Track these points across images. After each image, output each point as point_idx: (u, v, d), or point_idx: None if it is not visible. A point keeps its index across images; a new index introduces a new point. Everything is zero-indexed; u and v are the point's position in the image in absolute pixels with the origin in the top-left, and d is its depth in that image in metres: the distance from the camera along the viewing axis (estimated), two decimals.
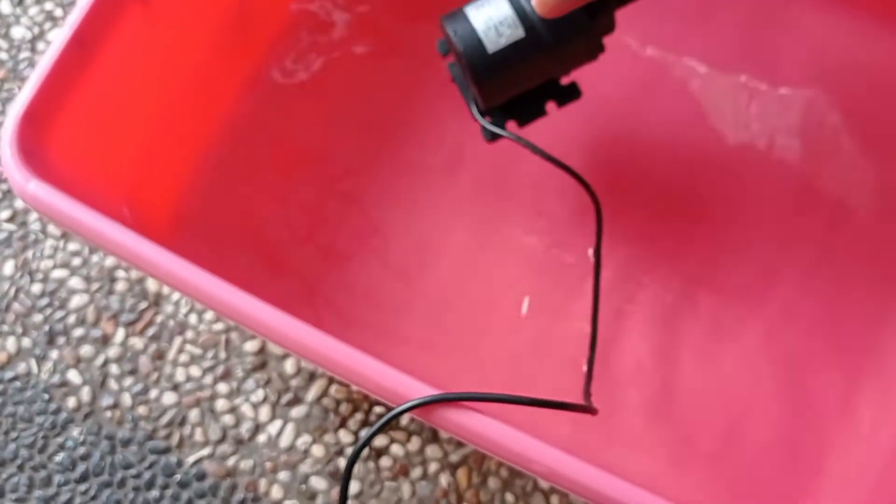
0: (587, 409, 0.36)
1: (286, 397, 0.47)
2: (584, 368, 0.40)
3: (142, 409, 0.47)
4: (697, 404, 0.43)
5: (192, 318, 0.48)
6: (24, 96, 0.35)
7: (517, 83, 0.37)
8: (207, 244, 0.45)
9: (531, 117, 0.39)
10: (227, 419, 0.47)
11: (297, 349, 0.32)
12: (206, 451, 0.46)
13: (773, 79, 0.47)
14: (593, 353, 0.40)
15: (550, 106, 0.39)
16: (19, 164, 0.35)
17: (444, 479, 0.45)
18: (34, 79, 0.36)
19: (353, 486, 0.45)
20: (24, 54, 0.55)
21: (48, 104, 0.36)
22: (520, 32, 0.35)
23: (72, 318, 0.49)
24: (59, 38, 0.36)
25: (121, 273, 0.50)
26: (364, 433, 0.46)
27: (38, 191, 0.34)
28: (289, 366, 0.47)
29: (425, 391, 0.30)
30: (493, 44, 0.35)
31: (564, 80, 0.39)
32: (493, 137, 0.39)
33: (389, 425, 0.46)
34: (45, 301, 0.49)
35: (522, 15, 0.35)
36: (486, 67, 0.36)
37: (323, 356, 0.31)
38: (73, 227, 0.34)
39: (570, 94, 0.39)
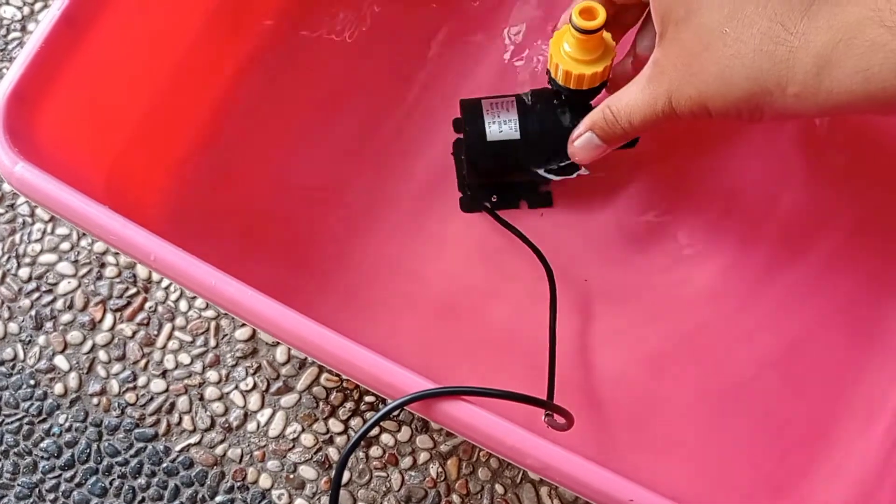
0: (565, 413, 0.35)
1: (276, 385, 0.46)
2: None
3: (129, 396, 0.47)
4: (678, 401, 0.43)
5: (182, 305, 0.48)
6: (11, 76, 0.35)
7: (501, 171, 0.44)
8: (196, 230, 0.45)
9: (505, 206, 0.46)
10: (216, 407, 0.46)
11: (289, 340, 0.31)
12: (194, 439, 0.46)
13: None
14: (553, 363, 0.40)
15: (522, 204, 0.46)
16: (5, 145, 0.34)
17: (433, 469, 0.45)
18: (22, 58, 0.35)
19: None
20: (14, 34, 0.54)
21: (36, 84, 0.35)
22: (516, 136, 0.42)
23: (59, 303, 0.48)
24: (48, 16, 0.35)
25: (110, 258, 0.49)
26: (355, 423, 0.45)
27: (25, 174, 0.33)
28: (279, 354, 0.47)
29: (422, 384, 0.30)
30: (492, 135, 0.42)
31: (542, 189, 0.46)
32: (469, 210, 0.46)
33: (367, 433, 0.45)
34: (32, 285, 0.49)
35: (524, 126, 0.42)
36: (481, 149, 0.43)
37: (317, 347, 0.31)
38: (60, 211, 0.33)
39: (542, 200, 0.46)
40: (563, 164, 0.42)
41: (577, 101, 0.41)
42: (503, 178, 0.45)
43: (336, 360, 0.31)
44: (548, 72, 0.40)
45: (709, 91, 0.33)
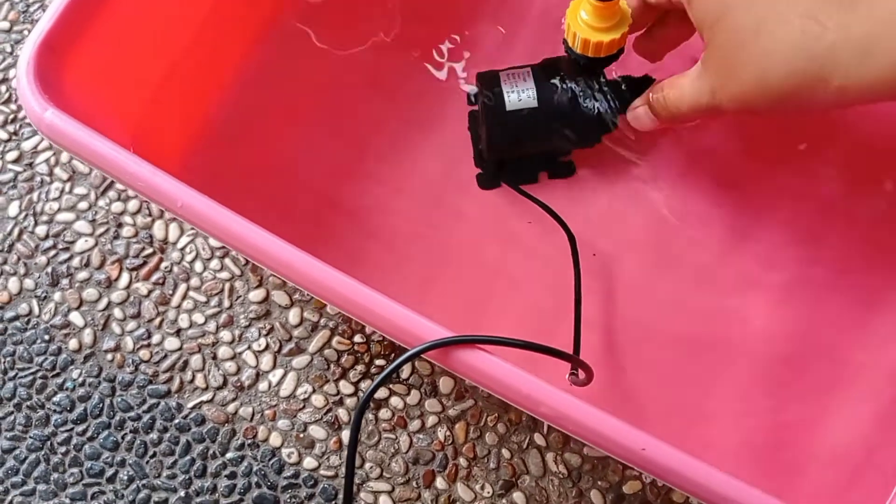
0: (584, 365, 0.36)
1: (288, 347, 0.47)
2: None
3: (143, 353, 0.47)
4: (698, 369, 0.44)
5: (198, 266, 0.49)
6: (42, 25, 0.35)
7: (520, 140, 0.44)
8: (211, 187, 0.45)
9: (524, 181, 0.46)
10: (229, 366, 0.47)
11: (313, 287, 0.32)
12: (206, 397, 0.47)
13: None
14: (578, 322, 0.41)
15: (541, 177, 0.47)
16: (36, 92, 0.35)
17: (441, 433, 0.45)
18: (53, 8, 0.36)
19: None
20: None
21: (66, 35, 0.36)
22: (534, 104, 0.43)
23: (76, 261, 0.49)
24: None
25: (127, 219, 0.50)
26: (365, 385, 0.46)
27: (56, 120, 0.34)
28: (292, 316, 0.47)
29: (440, 332, 0.31)
30: (511, 104, 0.43)
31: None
32: (487, 187, 0.47)
33: (389, 377, 0.46)
34: (49, 243, 0.49)
35: (542, 94, 0.43)
36: (500, 117, 0.43)
37: (339, 294, 0.32)
38: (89, 158, 0.34)
39: (564, 170, 0.46)
40: (581, 132, 0.43)
41: (594, 68, 0.41)
42: (522, 149, 0.46)
43: (356, 307, 0.32)
44: (564, 41, 0.41)
45: (749, 89, 0.34)
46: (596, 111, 0.43)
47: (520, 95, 0.43)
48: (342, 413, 0.46)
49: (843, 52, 0.31)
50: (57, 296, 0.49)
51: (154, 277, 0.49)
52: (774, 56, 0.32)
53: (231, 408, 0.46)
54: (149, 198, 0.34)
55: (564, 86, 0.42)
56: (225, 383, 0.47)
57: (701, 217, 0.46)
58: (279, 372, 0.47)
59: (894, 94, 0.31)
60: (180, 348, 0.47)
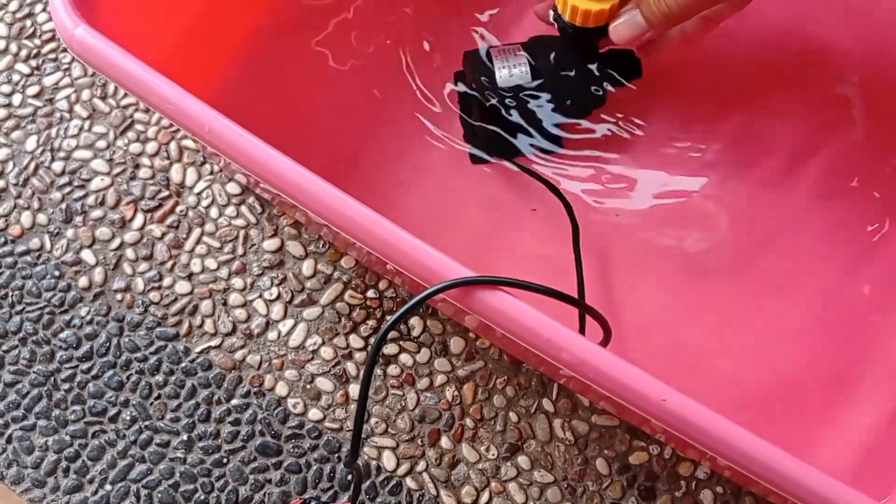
0: (602, 320, 0.36)
1: (300, 297, 0.47)
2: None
3: (153, 295, 0.47)
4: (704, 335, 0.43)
5: (213, 212, 0.48)
6: None
7: (511, 116, 0.44)
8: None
9: (513, 154, 0.46)
10: (239, 313, 0.46)
11: (338, 220, 0.32)
12: (214, 342, 0.46)
13: None
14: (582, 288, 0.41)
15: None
16: (69, 8, 0.34)
17: (449, 393, 0.45)
18: None
19: (358, 392, 0.45)
20: None
21: None
22: (527, 78, 0.43)
23: (91, 199, 0.49)
24: None
25: (145, 160, 0.49)
26: (374, 340, 0.46)
27: (87, 37, 0.34)
28: (305, 267, 0.47)
29: (463, 272, 0.30)
30: (502, 79, 0.43)
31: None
32: (478, 161, 0.46)
33: (400, 334, 0.45)
34: (64, 179, 0.49)
35: (534, 68, 0.43)
36: (492, 94, 0.43)
37: (362, 228, 0.31)
38: (119, 78, 0.34)
39: (552, 141, 0.45)
40: (572, 104, 0.44)
41: (582, 40, 0.41)
42: (512, 124, 0.45)
43: (380, 241, 0.31)
44: (553, 9, 0.41)
45: None
46: (585, 85, 0.43)
47: (511, 71, 0.43)
48: (350, 367, 0.45)
49: None
50: (70, 233, 0.48)
51: (169, 220, 0.48)
52: None
53: (239, 355, 0.46)
54: (176, 121, 0.33)
55: (554, 59, 0.43)
56: (234, 330, 0.46)
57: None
58: (289, 322, 0.46)
59: None
60: (191, 292, 0.47)
